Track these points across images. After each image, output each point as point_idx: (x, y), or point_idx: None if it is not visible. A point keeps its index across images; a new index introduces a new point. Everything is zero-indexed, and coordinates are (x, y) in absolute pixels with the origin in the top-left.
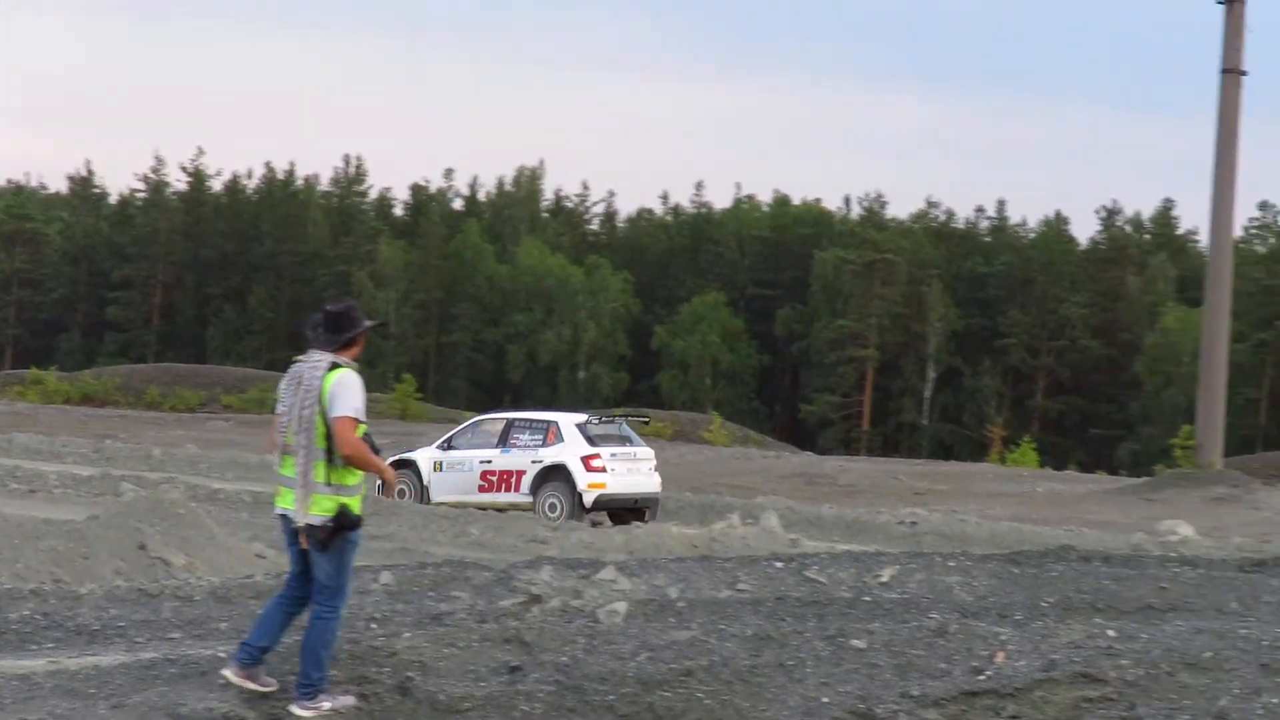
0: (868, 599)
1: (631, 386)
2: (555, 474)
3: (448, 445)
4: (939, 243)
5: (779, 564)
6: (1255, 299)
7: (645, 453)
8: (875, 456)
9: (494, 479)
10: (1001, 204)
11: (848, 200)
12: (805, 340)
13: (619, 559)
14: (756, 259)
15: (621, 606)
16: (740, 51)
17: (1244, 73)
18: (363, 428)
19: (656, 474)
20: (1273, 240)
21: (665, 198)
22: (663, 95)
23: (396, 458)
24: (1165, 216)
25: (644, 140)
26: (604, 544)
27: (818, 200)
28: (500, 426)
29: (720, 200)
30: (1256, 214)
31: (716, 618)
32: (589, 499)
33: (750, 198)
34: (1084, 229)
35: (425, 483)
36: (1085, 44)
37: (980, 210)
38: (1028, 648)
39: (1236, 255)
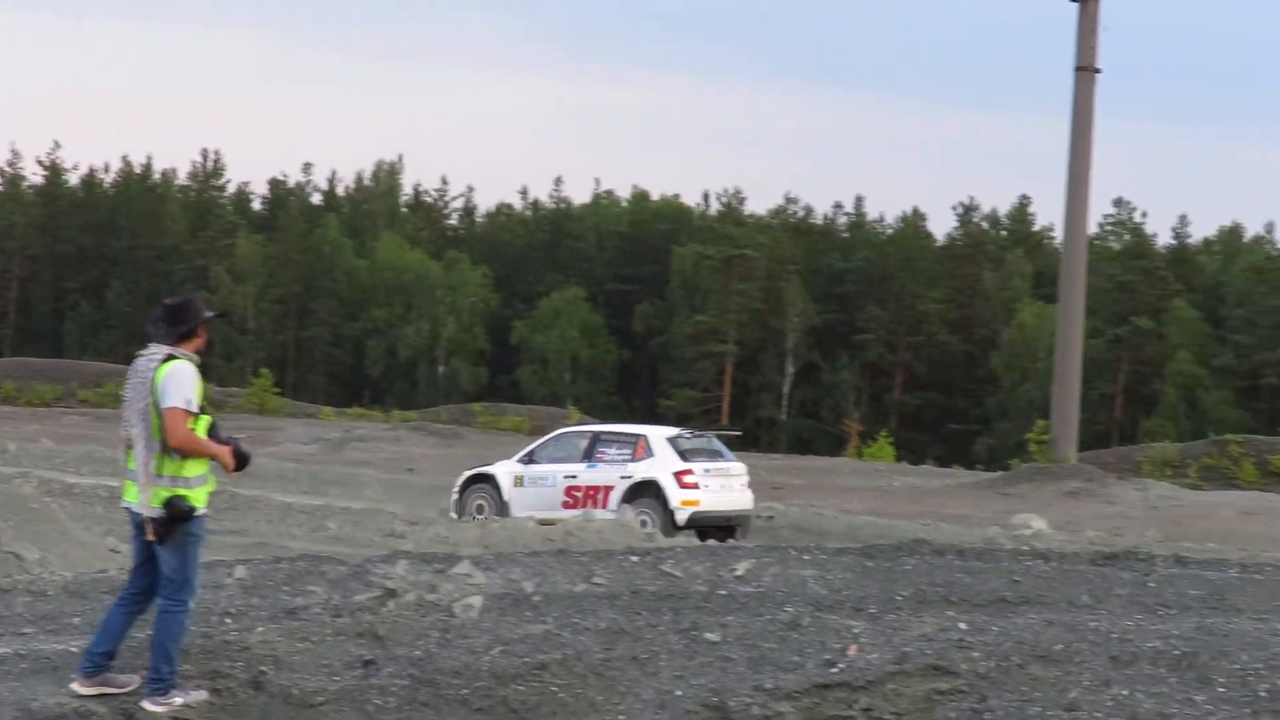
0: (722, 593)
1: (491, 381)
2: (646, 490)
3: (529, 459)
4: (797, 239)
5: (634, 558)
6: (1110, 295)
7: (738, 468)
8: (734, 451)
9: (579, 495)
10: (860, 200)
11: (706, 196)
12: (664, 335)
13: (475, 553)
14: (615, 254)
15: (477, 601)
16: (600, 48)
17: (1098, 70)
18: (206, 419)
19: (749, 490)
20: (1128, 237)
21: (524, 193)
22: (523, 91)
23: (475, 471)
24: (1022, 213)
25: (503, 136)
26: (460, 538)
27: (676, 196)
28: (585, 440)
29: (579, 196)
30: (1112, 210)
31: (571, 612)
32: (682, 516)
33: (609, 193)
34: (941, 225)
35: (505, 498)
36: (942, 41)
37: (839, 206)
38: (880, 640)
39: (1091, 252)
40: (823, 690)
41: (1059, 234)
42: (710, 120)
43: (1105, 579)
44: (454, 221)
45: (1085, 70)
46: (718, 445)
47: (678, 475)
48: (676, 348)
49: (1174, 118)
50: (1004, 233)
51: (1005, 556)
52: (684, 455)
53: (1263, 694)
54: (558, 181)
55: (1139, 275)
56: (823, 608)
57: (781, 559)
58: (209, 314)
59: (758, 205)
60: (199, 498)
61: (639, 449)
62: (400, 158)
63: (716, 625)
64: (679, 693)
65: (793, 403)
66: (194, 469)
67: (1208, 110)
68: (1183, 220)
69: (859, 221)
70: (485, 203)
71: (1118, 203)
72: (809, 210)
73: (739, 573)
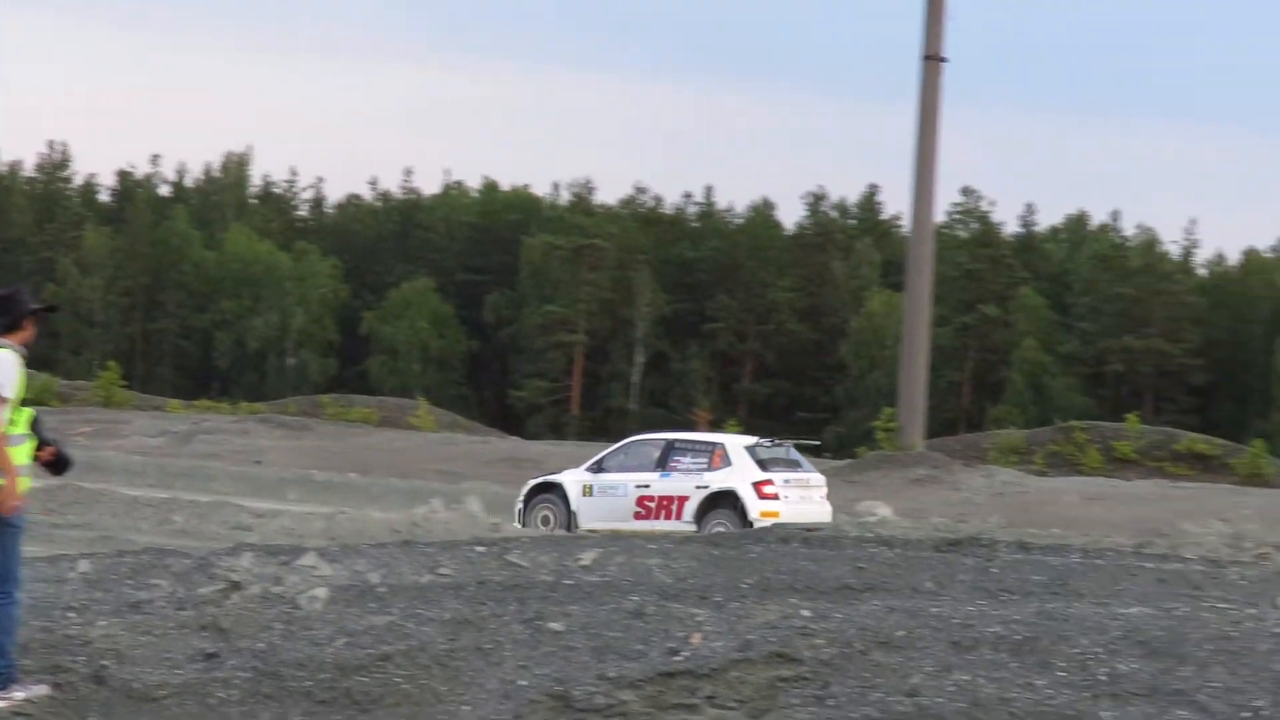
0: (568, 582)
1: (340, 372)
2: (723, 501)
3: (598, 468)
4: (647, 228)
5: (481, 549)
6: (958, 283)
7: (817, 479)
8: (584, 441)
9: (652, 505)
10: (710, 190)
11: (556, 186)
12: (514, 326)
13: (321, 545)
14: (465, 245)
15: (322, 593)
16: (451, 38)
17: (945, 59)
18: (28, 412)
19: (828, 502)
20: (975, 225)
21: (374, 184)
22: (373, 82)
23: (541, 480)
24: (870, 202)
25: (353, 127)
26: (305, 530)
27: (526, 186)
28: (658, 448)
29: (429, 187)
30: (960, 199)
31: (416, 603)
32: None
33: (459, 184)
34: (791, 215)
35: (573, 508)
36: (791, 30)
37: (688, 196)
38: (724, 629)
39: (939, 240)
40: (666, 679)
41: (907, 223)
42: (560, 110)
43: (949, 565)
44: (303, 213)
45: (932, 59)
46: (795, 455)
47: (757, 485)
48: (526, 338)
49: (1022, 107)
50: (853, 222)
51: (850, 544)
52: (763, 465)
53: (1102, 678)
54: (407, 172)
55: (986, 263)
56: (668, 596)
57: (627, 548)
58: (35, 306)
59: (607, 195)
60: (17, 486)
61: (715, 458)
62: (249, 149)
63: (561, 615)
64: (523, 682)
65: (643, 392)
66: (15, 458)
67: (1055, 99)
68: (1029, 209)
69: (709, 211)
70: (335, 194)
71: (966, 191)
72: (659, 200)
73: (585, 562)
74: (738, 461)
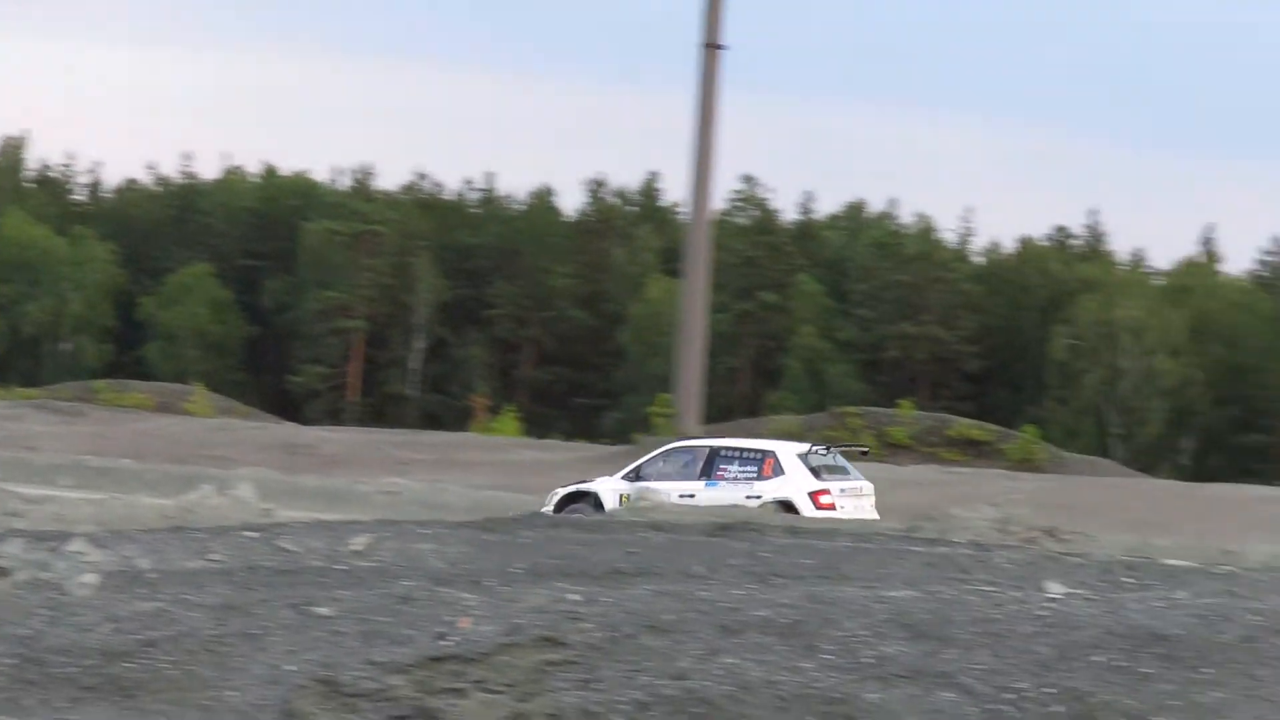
0: (340, 567)
1: (118, 358)
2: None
3: (635, 476)
4: (428, 214)
5: (252, 534)
6: (738, 270)
7: (867, 486)
8: (362, 427)
9: None
10: (490, 176)
11: (336, 172)
12: (293, 311)
13: (90, 530)
14: (245, 230)
15: (91, 578)
16: (231, 22)
17: (724, 47)
18: None
19: (875, 510)
20: (755, 212)
21: (153, 168)
22: (153, 66)
23: (573, 489)
24: (651, 189)
25: (132, 111)
26: (74, 515)
27: (306, 172)
28: (703, 456)
29: (208, 171)
30: (740, 187)
31: (185, 588)
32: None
33: (239, 169)
34: (572, 201)
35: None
36: (572, 16)
37: (469, 183)
38: (493, 613)
39: (719, 228)
40: (435, 663)
41: (687, 210)
42: (341, 95)
43: (719, 550)
44: (81, 197)
45: (711, 47)
46: (842, 461)
47: (814, 495)
48: (305, 323)
49: (803, 95)
50: (634, 208)
51: (621, 529)
52: (816, 473)
53: (868, 660)
54: (186, 157)
55: (765, 250)
56: (438, 581)
57: (400, 533)
58: None
59: (388, 181)
60: None
61: (766, 466)
62: (25, 133)
63: (330, 600)
64: (290, 667)
65: (423, 378)
66: None
67: (836, 88)
68: (808, 196)
69: (490, 197)
70: (113, 179)
71: (746, 179)
72: (440, 186)
73: (357, 548)
74: (791, 470)
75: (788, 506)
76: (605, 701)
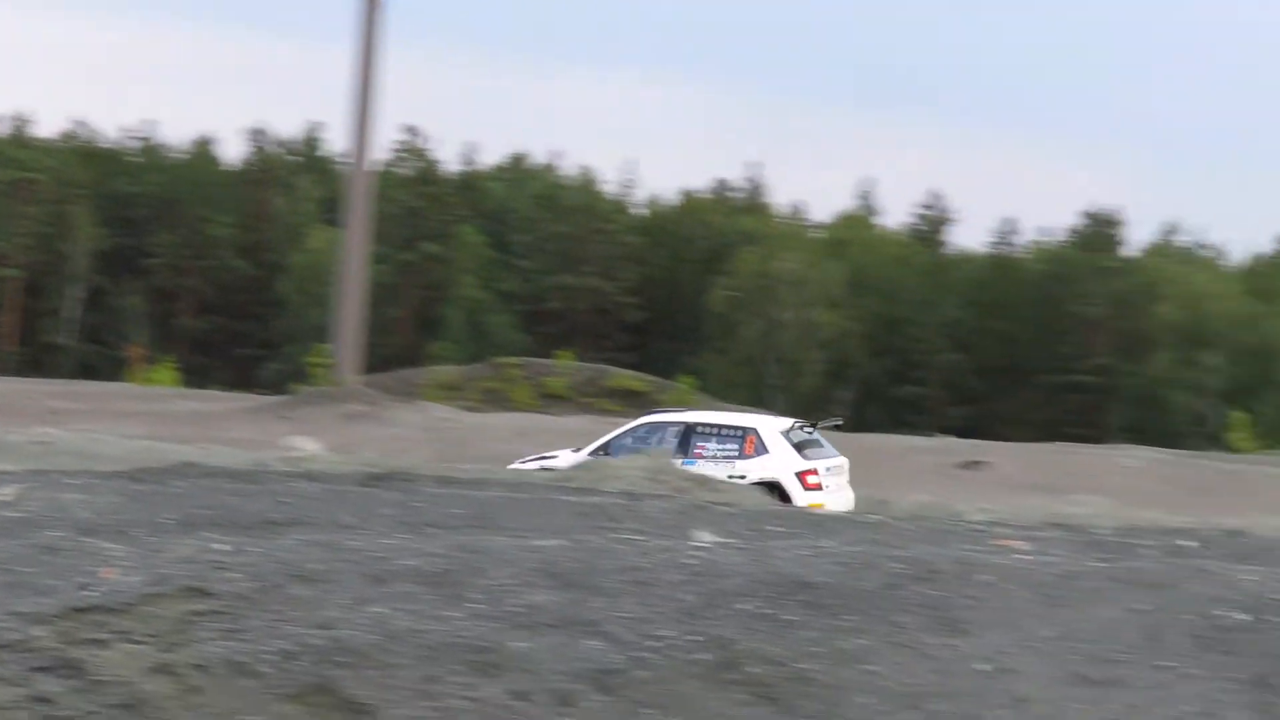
0: None
1: None
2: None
3: (603, 452)
4: (86, 162)
5: None
6: (400, 220)
7: (843, 462)
8: (18, 377)
9: None
10: (151, 125)
11: None
12: None
13: None
14: None
15: None
16: None
17: None
18: None
19: (850, 487)
20: (419, 163)
21: None
22: None
23: (535, 462)
24: (312, 139)
25: None
26: None
27: None
28: (676, 431)
29: None
30: (404, 138)
31: None
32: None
33: None
34: (233, 151)
35: None
36: None
37: (129, 131)
38: (140, 564)
39: (381, 178)
40: (79, 614)
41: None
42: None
43: (372, 500)
44: None
45: None
46: (818, 436)
47: (801, 476)
48: None
49: (470, 47)
50: (296, 159)
51: (274, 479)
52: (800, 450)
53: (515, 609)
54: None
55: (427, 201)
56: (85, 532)
57: (49, 484)
58: None
59: (46, 129)
60: None
61: (748, 444)
62: None
63: None
64: None
65: (81, 328)
66: None
67: (503, 42)
68: (471, 148)
69: (150, 146)
70: None
71: (409, 130)
72: (99, 134)
73: (5, 498)
74: (775, 448)
75: (775, 488)
76: (251, 651)
